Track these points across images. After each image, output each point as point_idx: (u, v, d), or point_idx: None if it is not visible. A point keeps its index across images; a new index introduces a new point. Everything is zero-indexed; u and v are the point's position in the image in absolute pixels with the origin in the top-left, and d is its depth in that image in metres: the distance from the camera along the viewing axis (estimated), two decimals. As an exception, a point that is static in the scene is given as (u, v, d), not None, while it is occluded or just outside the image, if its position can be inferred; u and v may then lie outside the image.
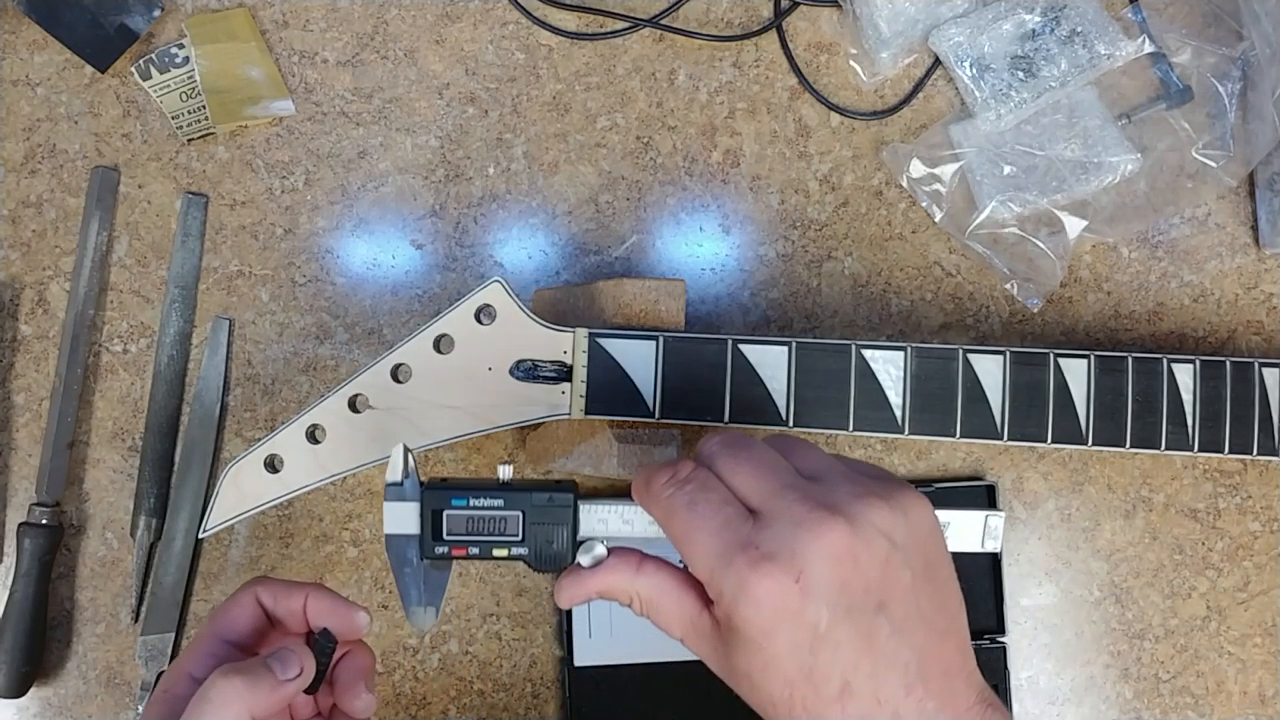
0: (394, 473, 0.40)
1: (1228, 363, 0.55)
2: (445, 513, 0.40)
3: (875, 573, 0.33)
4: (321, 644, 0.41)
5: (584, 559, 0.39)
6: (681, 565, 0.37)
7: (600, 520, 0.40)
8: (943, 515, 0.38)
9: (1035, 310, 0.62)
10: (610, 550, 0.39)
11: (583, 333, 0.51)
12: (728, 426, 0.53)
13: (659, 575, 0.38)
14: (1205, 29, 0.63)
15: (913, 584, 0.34)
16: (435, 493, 0.40)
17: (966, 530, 0.40)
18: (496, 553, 0.40)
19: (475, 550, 0.40)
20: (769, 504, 0.34)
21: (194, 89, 0.60)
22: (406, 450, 0.40)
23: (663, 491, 0.36)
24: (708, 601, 0.36)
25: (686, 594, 0.37)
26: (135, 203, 0.60)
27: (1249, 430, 0.56)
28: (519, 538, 0.40)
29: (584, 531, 0.40)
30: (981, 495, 0.60)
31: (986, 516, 0.40)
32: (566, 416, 0.52)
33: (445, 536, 0.40)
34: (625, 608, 0.38)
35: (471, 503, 0.40)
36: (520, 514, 0.40)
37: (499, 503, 0.40)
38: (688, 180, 0.62)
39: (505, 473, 0.40)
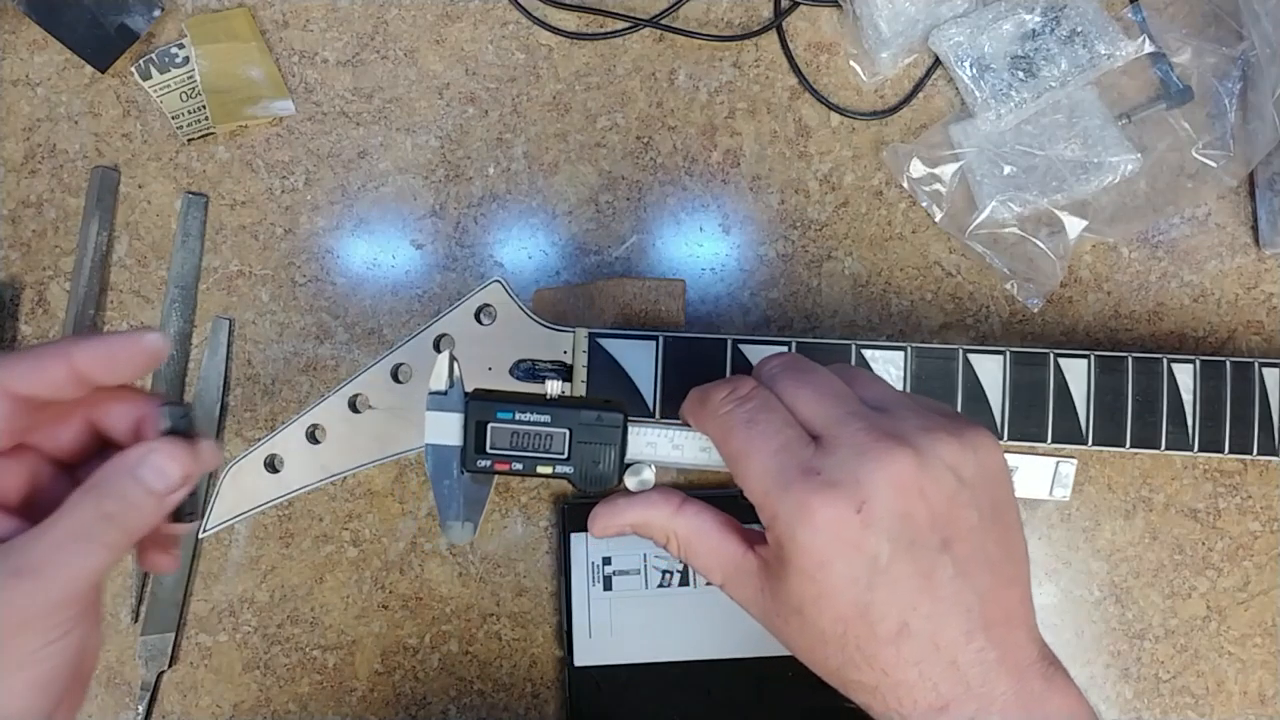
0: (438, 381, 0.38)
1: (1228, 363, 0.55)
2: (490, 425, 0.38)
3: (941, 508, 0.32)
4: (174, 420, 0.34)
5: (630, 482, 0.38)
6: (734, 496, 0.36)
7: (649, 444, 0.38)
8: (1011, 459, 0.36)
9: (1035, 310, 0.62)
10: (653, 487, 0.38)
11: (583, 333, 0.51)
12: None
13: (700, 516, 0.36)
14: (1205, 29, 0.63)
15: (979, 524, 0.32)
16: (481, 404, 0.38)
17: (1035, 476, 0.38)
18: (540, 469, 0.38)
19: (519, 466, 0.38)
20: (832, 430, 0.33)
21: (194, 89, 0.60)
22: (452, 359, 0.38)
23: (720, 407, 0.35)
24: (751, 543, 0.35)
25: (729, 536, 0.36)
26: (135, 203, 0.60)
27: (1249, 430, 0.56)
28: (565, 455, 0.38)
29: (631, 455, 0.38)
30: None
31: (1057, 463, 0.37)
32: (566, 416, 0.52)
33: (489, 450, 0.38)
34: (662, 549, 0.37)
35: (518, 416, 0.38)
36: (567, 431, 0.38)
37: (546, 418, 0.38)
38: (688, 180, 0.62)
39: (554, 388, 0.39)
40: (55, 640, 0.32)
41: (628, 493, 0.38)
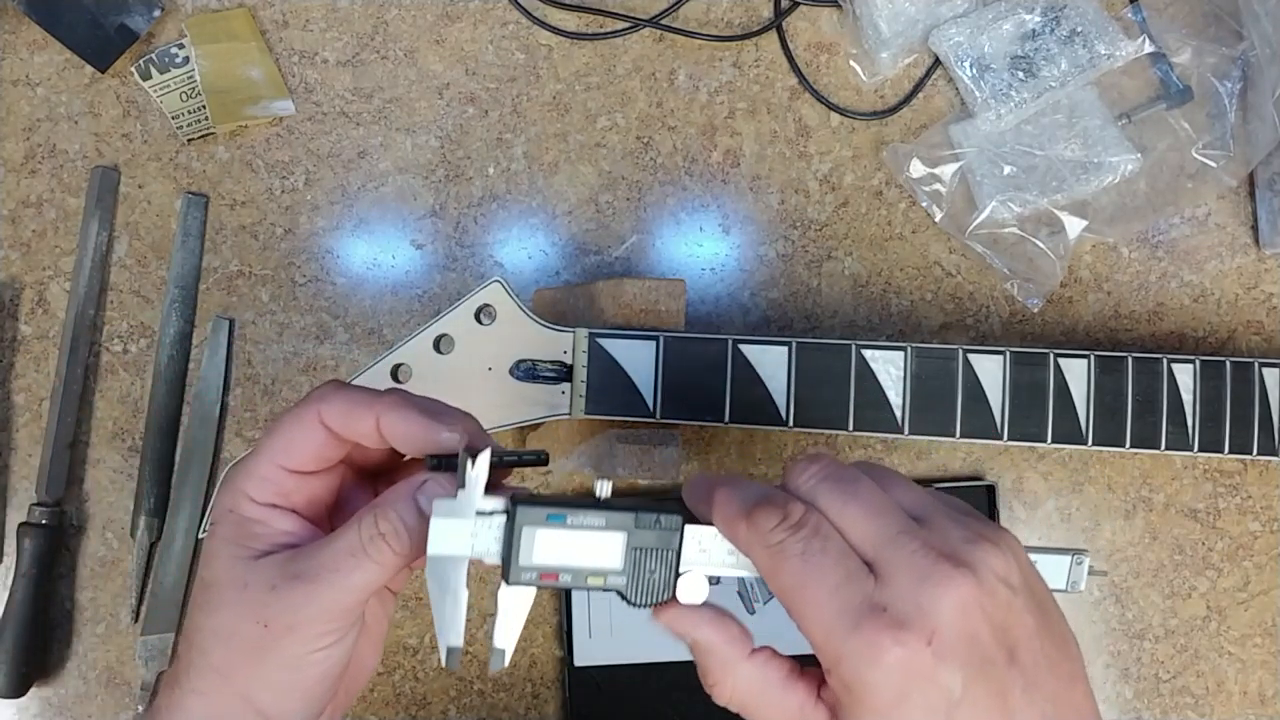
0: (474, 492, 0.34)
1: (1228, 363, 0.55)
2: (538, 531, 0.34)
3: (1000, 621, 0.32)
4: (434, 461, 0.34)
5: (686, 594, 0.35)
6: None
7: (700, 548, 0.35)
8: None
9: (1035, 310, 0.62)
10: (718, 607, 0.35)
11: (583, 333, 0.51)
12: (728, 426, 0.53)
13: (767, 668, 0.34)
14: (1205, 29, 0.63)
15: (1035, 627, 0.32)
16: (530, 508, 0.34)
17: (1051, 571, 0.36)
18: (591, 581, 0.34)
19: (568, 578, 0.34)
20: (887, 554, 0.32)
21: (194, 89, 0.60)
22: (468, 455, 0.34)
23: (772, 536, 0.33)
24: (816, 688, 0.34)
25: (793, 687, 0.34)
26: (135, 203, 0.60)
27: (1249, 430, 0.56)
28: (619, 566, 0.34)
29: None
30: (982, 495, 0.60)
31: (1072, 556, 0.36)
32: (566, 416, 0.52)
33: (534, 561, 0.34)
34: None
35: (570, 519, 0.34)
36: (623, 536, 0.34)
37: (600, 521, 0.34)
38: (688, 180, 0.62)
39: (604, 489, 0.35)
40: (322, 648, 0.34)
41: (679, 605, 0.35)
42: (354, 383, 0.51)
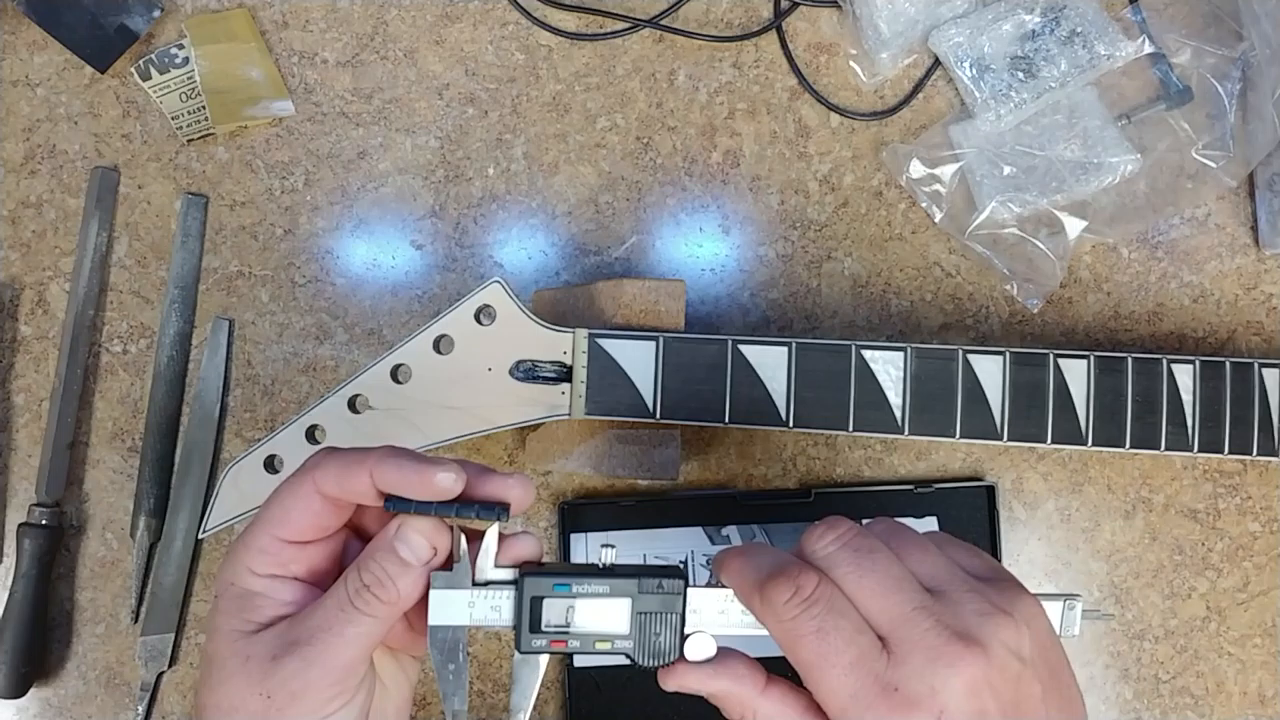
0: (487, 559, 0.36)
1: (1227, 363, 0.55)
2: (545, 600, 0.36)
3: (1008, 695, 0.33)
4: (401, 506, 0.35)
5: (694, 653, 0.36)
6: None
7: (693, 610, 0.37)
8: None
9: (1035, 310, 0.62)
10: (723, 649, 0.36)
11: (583, 333, 0.51)
12: (728, 427, 0.53)
13: (785, 701, 0.36)
14: (1205, 29, 0.63)
15: (1043, 695, 0.34)
16: (536, 578, 0.36)
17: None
18: (599, 646, 0.36)
19: (576, 644, 0.36)
20: (901, 631, 0.33)
21: (194, 89, 0.60)
22: (460, 531, 0.36)
23: (785, 611, 0.34)
24: None
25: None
26: (135, 203, 0.60)
27: (1249, 430, 0.56)
28: (625, 630, 0.36)
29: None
30: (981, 495, 0.60)
31: (1065, 600, 0.38)
32: (566, 417, 0.52)
33: (543, 628, 0.36)
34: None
35: (575, 588, 0.36)
36: (627, 601, 0.36)
37: (604, 589, 0.36)
38: (688, 180, 0.62)
39: (608, 556, 0.37)
40: (329, 714, 0.35)
41: (687, 663, 0.36)
42: (353, 381, 0.51)
